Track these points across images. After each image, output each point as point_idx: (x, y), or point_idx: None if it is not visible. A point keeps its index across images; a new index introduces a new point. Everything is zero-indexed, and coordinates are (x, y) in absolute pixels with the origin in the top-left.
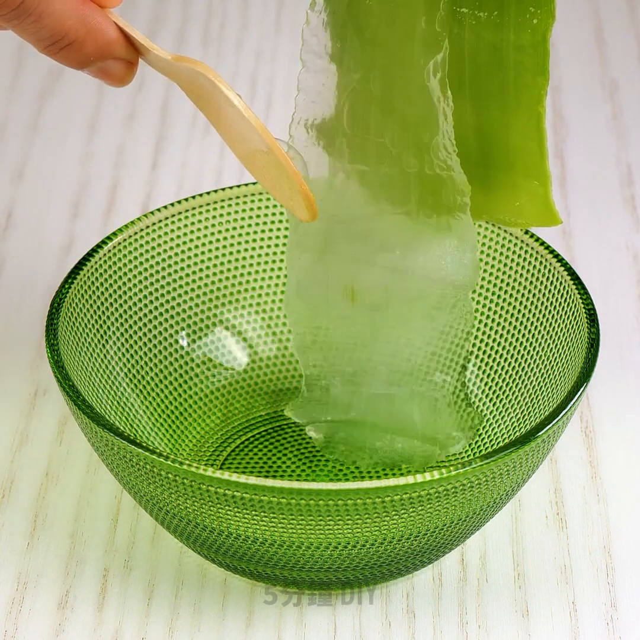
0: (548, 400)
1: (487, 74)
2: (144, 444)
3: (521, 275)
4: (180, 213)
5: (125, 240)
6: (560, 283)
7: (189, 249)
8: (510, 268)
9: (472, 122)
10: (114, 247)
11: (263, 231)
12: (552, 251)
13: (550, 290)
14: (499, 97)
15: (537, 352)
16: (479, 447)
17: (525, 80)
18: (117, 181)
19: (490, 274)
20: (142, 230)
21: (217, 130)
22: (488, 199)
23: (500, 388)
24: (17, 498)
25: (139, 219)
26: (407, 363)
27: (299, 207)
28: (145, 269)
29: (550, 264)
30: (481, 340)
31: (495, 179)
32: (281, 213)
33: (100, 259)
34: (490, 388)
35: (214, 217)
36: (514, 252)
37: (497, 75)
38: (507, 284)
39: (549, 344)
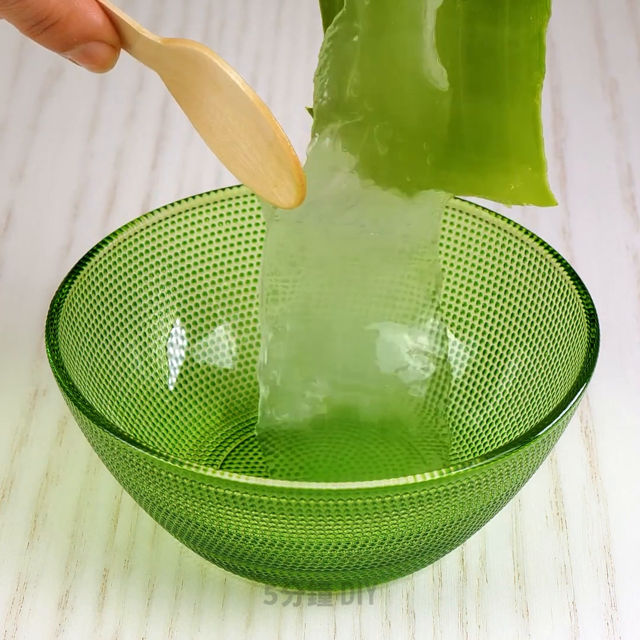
0: (548, 400)
1: (482, 66)
2: (144, 444)
3: (521, 275)
4: (180, 213)
5: (125, 240)
6: (560, 283)
7: (189, 249)
8: (510, 268)
9: (466, 110)
10: (114, 247)
11: (263, 231)
12: (552, 251)
13: (550, 290)
14: (493, 89)
15: (537, 352)
16: (479, 447)
17: (520, 74)
18: (117, 181)
19: (490, 274)
20: (142, 230)
21: (195, 123)
22: (483, 181)
23: (500, 388)
24: (17, 498)
25: (139, 219)
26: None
27: (284, 192)
28: (145, 269)
29: (550, 264)
30: (481, 341)
31: (490, 164)
32: None
33: (100, 259)
34: (490, 388)
35: (214, 217)
36: (514, 252)
37: (492, 68)
38: (507, 284)
39: (549, 344)
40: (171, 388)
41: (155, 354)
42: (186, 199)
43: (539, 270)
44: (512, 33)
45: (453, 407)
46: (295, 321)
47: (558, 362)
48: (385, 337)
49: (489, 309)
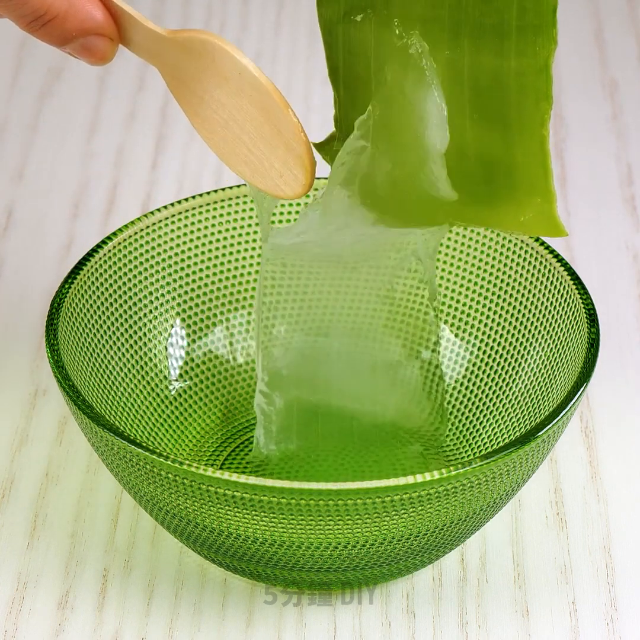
0: (548, 400)
1: (488, 98)
2: (144, 444)
3: (521, 275)
4: (180, 213)
5: (125, 240)
6: (560, 283)
7: (189, 249)
8: (510, 268)
9: (473, 142)
10: (114, 247)
11: None
12: (552, 251)
13: (550, 290)
14: (501, 121)
15: (537, 352)
16: (479, 447)
17: (528, 105)
18: (117, 181)
19: (490, 274)
20: (142, 230)
21: (193, 120)
22: (491, 214)
23: (500, 388)
24: (17, 498)
25: (139, 219)
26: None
27: (291, 181)
28: (145, 269)
29: (550, 264)
30: (481, 340)
31: (498, 196)
32: (281, 213)
33: (100, 259)
34: (490, 388)
35: (214, 217)
36: (514, 252)
37: (499, 100)
38: (507, 284)
39: (549, 344)
40: (171, 388)
41: (155, 354)
42: (186, 199)
43: (539, 270)
44: (518, 64)
45: (453, 407)
46: (292, 357)
47: (558, 362)
48: (382, 353)
49: (489, 309)
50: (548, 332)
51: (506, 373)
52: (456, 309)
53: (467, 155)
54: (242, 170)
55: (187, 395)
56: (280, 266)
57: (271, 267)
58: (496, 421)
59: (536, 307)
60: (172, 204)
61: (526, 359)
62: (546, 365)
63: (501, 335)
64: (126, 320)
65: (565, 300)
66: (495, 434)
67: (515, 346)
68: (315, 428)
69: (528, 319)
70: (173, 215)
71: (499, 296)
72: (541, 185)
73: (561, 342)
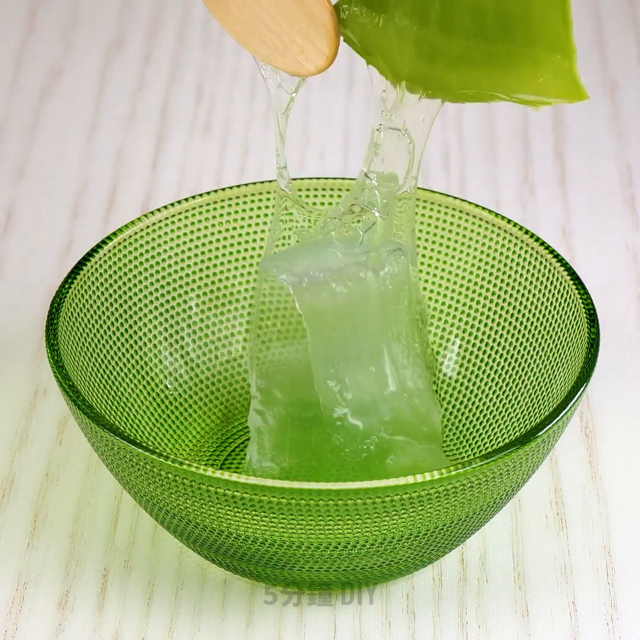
0: (548, 400)
1: None
2: (144, 444)
3: (521, 275)
4: (180, 213)
5: (125, 240)
6: (560, 283)
7: (189, 249)
8: (510, 268)
9: None
10: (114, 247)
11: (263, 231)
12: (552, 251)
13: (550, 290)
14: None
15: (537, 352)
16: (479, 447)
17: None
18: (117, 181)
19: (490, 274)
20: (142, 230)
21: (209, 3)
22: (508, 76)
23: (500, 388)
24: (17, 498)
25: (139, 219)
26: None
27: (313, 55)
28: (145, 269)
29: (550, 264)
30: (481, 340)
31: (516, 55)
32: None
33: (100, 259)
34: (490, 388)
35: (214, 217)
36: (514, 252)
37: None
38: (507, 284)
39: (549, 344)
40: (171, 388)
41: (155, 354)
42: (186, 199)
43: (539, 270)
44: None
45: (453, 407)
46: (285, 376)
47: (558, 362)
48: (375, 368)
49: (489, 309)
50: (548, 332)
51: (506, 373)
52: (456, 309)
53: (484, 10)
54: (260, 49)
55: (187, 395)
56: (273, 283)
57: (266, 285)
58: (496, 421)
59: (536, 307)
60: (172, 204)
61: (526, 359)
62: (546, 365)
63: (501, 335)
64: (126, 320)
65: (565, 300)
66: (495, 434)
67: (515, 346)
68: (309, 446)
69: (528, 319)
70: (173, 215)
71: (499, 296)
72: (561, 39)
73: (561, 342)
